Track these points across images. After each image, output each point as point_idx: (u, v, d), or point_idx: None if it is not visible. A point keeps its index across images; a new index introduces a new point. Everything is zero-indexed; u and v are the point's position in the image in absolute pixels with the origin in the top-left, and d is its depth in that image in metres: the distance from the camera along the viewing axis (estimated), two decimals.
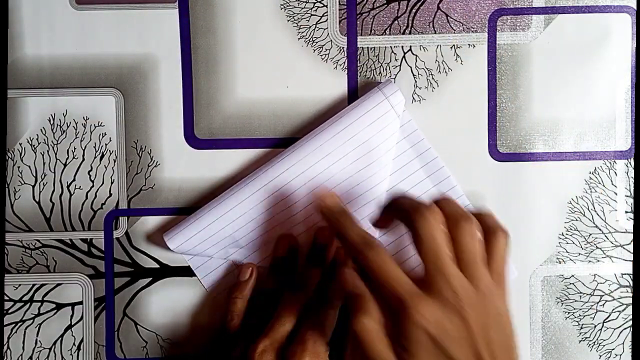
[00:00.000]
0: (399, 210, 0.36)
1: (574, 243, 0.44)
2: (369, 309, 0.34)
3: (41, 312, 0.44)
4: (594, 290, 0.44)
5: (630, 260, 0.44)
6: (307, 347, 0.37)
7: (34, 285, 0.44)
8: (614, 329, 0.44)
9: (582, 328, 0.44)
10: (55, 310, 0.44)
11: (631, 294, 0.44)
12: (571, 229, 0.44)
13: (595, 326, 0.44)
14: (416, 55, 0.44)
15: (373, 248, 0.35)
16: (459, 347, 0.33)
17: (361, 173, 0.43)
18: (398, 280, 0.34)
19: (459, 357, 0.33)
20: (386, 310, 0.34)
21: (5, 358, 0.44)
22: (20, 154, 0.44)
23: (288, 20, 0.44)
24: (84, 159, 0.44)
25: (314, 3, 0.44)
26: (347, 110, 0.43)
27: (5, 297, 0.44)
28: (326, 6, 0.44)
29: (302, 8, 0.44)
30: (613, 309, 0.44)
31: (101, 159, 0.44)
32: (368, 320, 0.33)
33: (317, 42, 0.44)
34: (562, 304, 0.44)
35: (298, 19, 0.44)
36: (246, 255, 0.43)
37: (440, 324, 0.32)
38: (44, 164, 0.44)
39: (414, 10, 0.44)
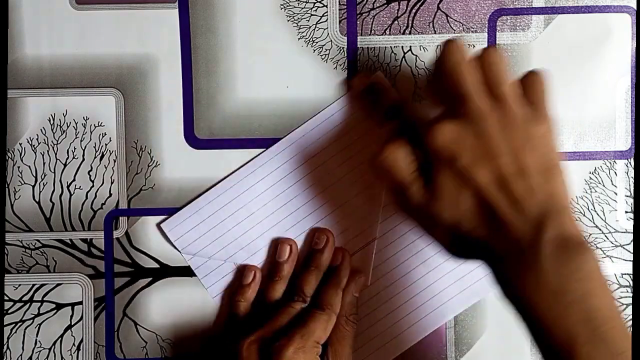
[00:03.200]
0: (436, 63, 0.36)
1: None
2: (396, 144, 0.35)
3: (41, 312, 0.44)
4: None
5: (630, 260, 0.44)
6: (294, 340, 0.37)
7: (33, 285, 0.44)
8: None
9: None
10: (55, 311, 0.44)
11: (631, 294, 0.44)
12: None
13: None
14: (416, 55, 0.44)
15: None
16: (480, 167, 0.32)
17: (359, 168, 0.43)
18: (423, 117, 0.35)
19: (479, 177, 0.32)
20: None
21: (4, 358, 0.44)
22: (20, 154, 0.44)
23: (288, 20, 0.44)
24: (84, 159, 0.44)
25: (314, 3, 0.44)
26: (340, 105, 0.43)
27: (5, 297, 0.44)
28: (326, 6, 0.44)
29: (302, 8, 0.44)
30: None
31: (101, 159, 0.44)
32: (393, 151, 0.34)
33: (317, 42, 0.44)
34: None
35: (298, 19, 0.44)
36: (247, 256, 0.43)
37: (459, 141, 0.33)
38: (44, 164, 0.44)
39: (414, 11, 0.44)
